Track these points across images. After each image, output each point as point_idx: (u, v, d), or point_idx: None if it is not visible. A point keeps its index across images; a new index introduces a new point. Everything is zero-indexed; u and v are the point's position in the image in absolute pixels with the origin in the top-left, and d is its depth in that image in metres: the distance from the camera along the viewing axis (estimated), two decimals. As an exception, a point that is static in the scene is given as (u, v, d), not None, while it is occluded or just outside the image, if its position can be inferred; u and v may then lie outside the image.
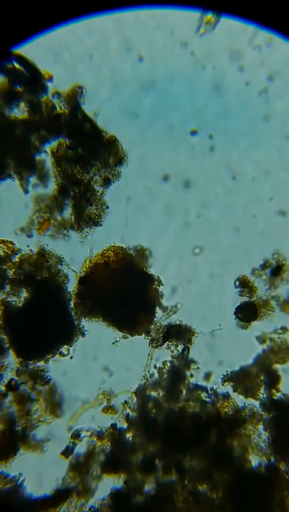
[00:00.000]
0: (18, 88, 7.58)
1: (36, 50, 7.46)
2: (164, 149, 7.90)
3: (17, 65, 7.49)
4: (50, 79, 7.62)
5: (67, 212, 7.89)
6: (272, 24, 7.00)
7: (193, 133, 7.90)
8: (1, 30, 6.94)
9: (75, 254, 7.92)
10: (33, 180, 7.78)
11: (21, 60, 7.49)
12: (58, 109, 7.71)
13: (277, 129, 7.86)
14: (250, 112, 7.84)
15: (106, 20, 7.46)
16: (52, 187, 7.83)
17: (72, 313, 7.84)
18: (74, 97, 7.69)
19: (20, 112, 7.64)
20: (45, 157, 7.77)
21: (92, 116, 7.76)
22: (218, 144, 7.91)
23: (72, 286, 7.89)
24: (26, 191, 7.76)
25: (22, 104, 7.62)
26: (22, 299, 7.75)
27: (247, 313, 8.07)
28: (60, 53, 7.60)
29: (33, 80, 7.55)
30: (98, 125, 7.80)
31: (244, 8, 6.95)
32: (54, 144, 7.77)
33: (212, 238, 8.01)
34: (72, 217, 7.88)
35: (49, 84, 7.66)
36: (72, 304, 7.85)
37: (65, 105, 7.71)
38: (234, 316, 8.04)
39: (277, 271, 8.04)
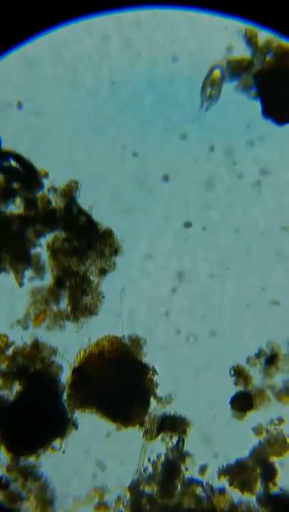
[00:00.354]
0: (15, 185, 7.80)
1: (36, 50, 7.54)
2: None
3: (13, 163, 7.74)
4: (46, 175, 7.85)
5: (63, 303, 7.97)
6: (272, 24, 7.10)
7: (187, 225, 8.04)
8: (1, 30, 6.95)
9: (71, 344, 7.94)
10: (28, 273, 7.90)
11: (18, 158, 7.74)
12: (53, 203, 7.90)
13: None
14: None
15: (106, 20, 7.51)
16: (48, 279, 7.95)
17: (66, 405, 7.81)
18: (69, 192, 7.89)
19: (16, 207, 7.83)
20: (41, 250, 7.92)
21: (87, 209, 7.94)
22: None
23: (65, 377, 7.88)
24: (21, 284, 7.87)
25: (18, 200, 7.83)
26: (14, 392, 7.75)
27: (242, 403, 8.00)
28: (60, 53, 7.69)
29: (29, 177, 7.78)
30: (93, 218, 7.97)
31: (244, 8, 7.01)
32: (50, 237, 7.93)
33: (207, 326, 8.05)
34: (69, 308, 7.96)
35: (45, 181, 7.88)
36: (65, 396, 7.83)
37: (61, 200, 7.90)
38: (229, 406, 7.97)
39: (272, 360, 8.01)
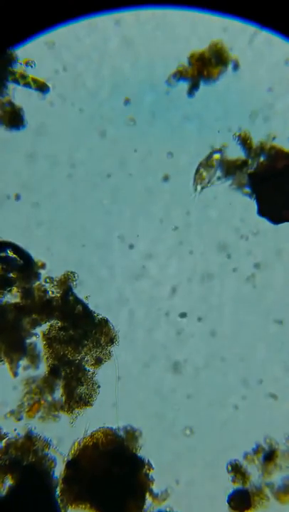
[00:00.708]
0: (12, 275, 7.87)
1: (36, 49, 7.50)
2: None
3: (11, 253, 7.84)
4: (43, 266, 7.92)
5: (58, 392, 7.88)
6: (272, 24, 7.01)
7: (183, 316, 8.02)
8: (1, 30, 6.92)
9: (65, 435, 7.80)
10: (23, 362, 7.86)
11: (15, 248, 7.84)
12: (50, 293, 7.94)
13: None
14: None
15: (106, 19, 7.48)
16: (43, 368, 7.89)
17: (59, 500, 7.60)
18: (66, 282, 7.94)
19: (12, 296, 7.88)
20: (37, 339, 7.90)
21: (83, 299, 7.96)
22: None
23: (59, 470, 7.71)
24: (16, 374, 7.82)
25: (15, 289, 7.88)
26: (6, 487, 7.58)
27: (240, 501, 7.73)
28: (59, 53, 7.64)
29: (26, 267, 7.86)
30: (89, 307, 7.98)
31: (244, 7, 6.95)
32: (46, 326, 7.92)
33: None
34: (63, 398, 7.87)
35: (42, 271, 7.95)
36: (58, 491, 7.63)
37: (57, 289, 7.94)
38: (227, 504, 7.71)
39: (270, 456, 7.78)
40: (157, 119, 7.76)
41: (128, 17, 7.51)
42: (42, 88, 7.51)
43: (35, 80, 7.51)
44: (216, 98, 7.65)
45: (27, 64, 7.45)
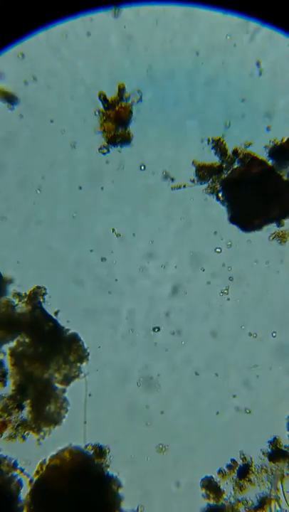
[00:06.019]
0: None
1: (36, 45, 7.33)
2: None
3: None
4: (11, 281, 7.66)
5: (26, 411, 7.62)
6: (273, 20, 6.86)
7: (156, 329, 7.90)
8: (1, 26, 6.74)
9: (32, 456, 7.54)
10: (-11, 380, 7.59)
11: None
12: (17, 309, 7.68)
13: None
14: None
15: (106, 15, 7.28)
16: (10, 385, 7.62)
17: (25, 523, 7.33)
18: (35, 297, 7.70)
19: (-24, 312, 7.60)
20: (3, 357, 7.62)
21: (52, 314, 7.74)
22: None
23: (25, 493, 7.44)
24: (-19, 394, 7.54)
25: (-20, 305, 7.61)
26: (-29, 511, 7.26)
27: (214, 518, 7.62)
28: (59, 49, 7.45)
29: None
30: (59, 322, 7.75)
31: (244, 4, 6.82)
32: (13, 343, 7.66)
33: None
34: (31, 417, 7.60)
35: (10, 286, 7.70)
36: (25, 514, 7.36)
37: (26, 305, 7.69)
38: (201, 522, 7.60)
39: (244, 472, 7.68)
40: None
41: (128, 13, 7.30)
42: (10, 99, 7.32)
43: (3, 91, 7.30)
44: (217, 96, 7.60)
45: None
